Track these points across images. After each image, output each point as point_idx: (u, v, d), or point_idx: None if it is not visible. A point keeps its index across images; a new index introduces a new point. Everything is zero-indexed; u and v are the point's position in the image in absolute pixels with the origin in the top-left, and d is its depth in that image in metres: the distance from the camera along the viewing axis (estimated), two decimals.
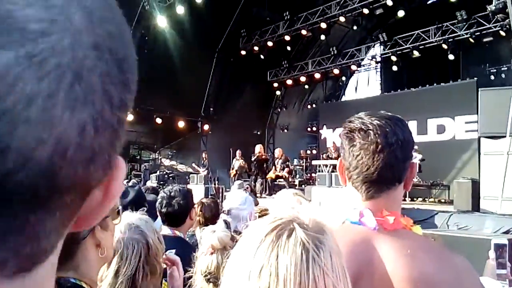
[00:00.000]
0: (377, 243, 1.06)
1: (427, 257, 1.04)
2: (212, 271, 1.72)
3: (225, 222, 2.35)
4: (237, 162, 13.56)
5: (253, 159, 12.85)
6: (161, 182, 13.35)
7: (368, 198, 1.12)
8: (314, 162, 14.79)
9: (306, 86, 19.56)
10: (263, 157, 12.97)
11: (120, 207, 1.00)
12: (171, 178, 14.89)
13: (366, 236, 1.08)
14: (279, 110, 21.24)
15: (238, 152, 13.78)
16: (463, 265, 1.05)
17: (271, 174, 12.86)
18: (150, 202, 2.91)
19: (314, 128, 20.85)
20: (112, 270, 1.34)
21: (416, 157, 12.25)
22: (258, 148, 12.92)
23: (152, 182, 12.70)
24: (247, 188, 8.36)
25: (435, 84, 15.73)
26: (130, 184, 8.13)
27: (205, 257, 1.77)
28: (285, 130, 21.15)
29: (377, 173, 1.09)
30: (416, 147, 12.28)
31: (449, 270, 1.02)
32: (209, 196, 11.89)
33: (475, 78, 14.22)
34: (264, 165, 12.92)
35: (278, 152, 13.34)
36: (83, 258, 0.89)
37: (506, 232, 6.25)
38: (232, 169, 13.66)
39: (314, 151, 19.17)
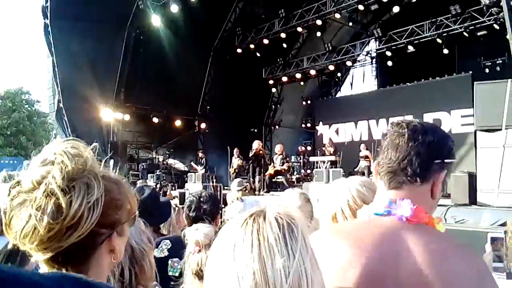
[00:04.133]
0: (403, 236, 1.07)
1: (455, 255, 1.04)
2: (204, 267, 1.73)
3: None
4: (235, 161, 13.55)
5: (251, 154, 12.83)
6: (163, 181, 13.37)
7: (391, 187, 1.15)
8: (311, 159, 14.81)
9: (301, 83, 19.54)
10: (261, 152, 12.94)
11: (137, 213, 1.00)
12: (169, 177, 14.89)
13: (390, 228, 1.09)
14: (275, 107, 21.25)
15: (235, 151, 13.76)
16: (483, 266, 1.07)
17: (270, 170, 12.81)
18: (163, 204, 2.89)
19: (310, 125, 20.86)
20: None
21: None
22: (256, 144, 12.89)
23: (149, 182, 12.69)
24: (247, 186, 8.35)
25: (430, 79, 15.76)
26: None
27: (193, 256, 1.79)
28: (282, 127, 21.16)
29: (397, 163, 1.13)
30: None
31: (474, 270, 1.02)
32: None
33: (470, 72, 14.25)
34: (262, 161, 12.89)
35: (279, 148, 13.25)
36: (96, 263, 0.89)
37: (503, 225, 6.28)
38: (232, 167, 13.66)
39: (309, 148, 19.20)
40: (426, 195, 1.15)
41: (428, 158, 1.13)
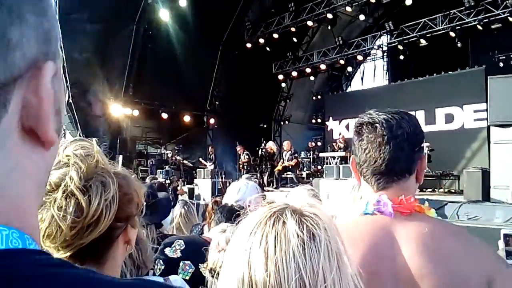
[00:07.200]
0: (396, 228, 1.09)
1: (448, 237, 1.07)
2: (217, 268, 1.72)
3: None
4: (242, 157, 13.64)
5: (261, 152, 12.93)
6: (172, 176, 13.38)
7: (379, 189, 1.16)
8: (321, 155, 14.71)
9: (312, 78, 19.40)
10: (272, 151, 13.05)
11: (144, 206, 1.09)
12: (178, 172, 14.91)
13: (384, 223, 1.10)
14: (284, 102, 21.16)
15: (238, 148, 13.80)
16: (474, 239, 1.11)
17: (278, 167, 12.85)
18: (162, 201, 2.68)
19: (320, 120, 20.73)
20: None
21: (425, 147, 12.13)
22: (270, 144, 13.11)
23: (158, 177, 12.69)
24: (255, 182, 8.31)
25: (443, 73, 15.53)
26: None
27: (212, 253, 1.79)
28: (291, 123, 21.06)
29: (384, 165, 1.13)
30: None
31: (461, 243, 1.06)
32: (216, 190, 11.91)
33: (484, 66, 14.00)
34: (272, 159, 12.97)
35: (286, 144, 13.29)
36: (112, 255, 0.97)
37: None
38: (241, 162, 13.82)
39: (319, 143, 19.08)
40: (412, 184, 1.18)
41: (410, 150, 1.14)
